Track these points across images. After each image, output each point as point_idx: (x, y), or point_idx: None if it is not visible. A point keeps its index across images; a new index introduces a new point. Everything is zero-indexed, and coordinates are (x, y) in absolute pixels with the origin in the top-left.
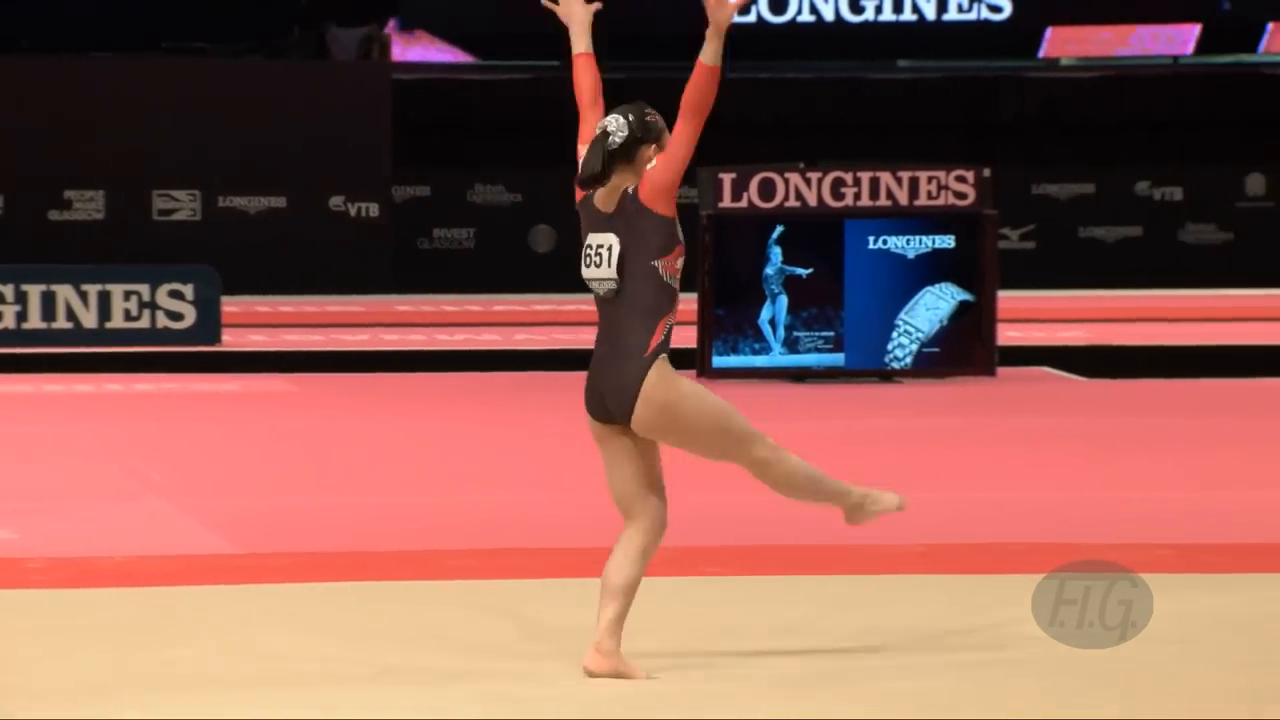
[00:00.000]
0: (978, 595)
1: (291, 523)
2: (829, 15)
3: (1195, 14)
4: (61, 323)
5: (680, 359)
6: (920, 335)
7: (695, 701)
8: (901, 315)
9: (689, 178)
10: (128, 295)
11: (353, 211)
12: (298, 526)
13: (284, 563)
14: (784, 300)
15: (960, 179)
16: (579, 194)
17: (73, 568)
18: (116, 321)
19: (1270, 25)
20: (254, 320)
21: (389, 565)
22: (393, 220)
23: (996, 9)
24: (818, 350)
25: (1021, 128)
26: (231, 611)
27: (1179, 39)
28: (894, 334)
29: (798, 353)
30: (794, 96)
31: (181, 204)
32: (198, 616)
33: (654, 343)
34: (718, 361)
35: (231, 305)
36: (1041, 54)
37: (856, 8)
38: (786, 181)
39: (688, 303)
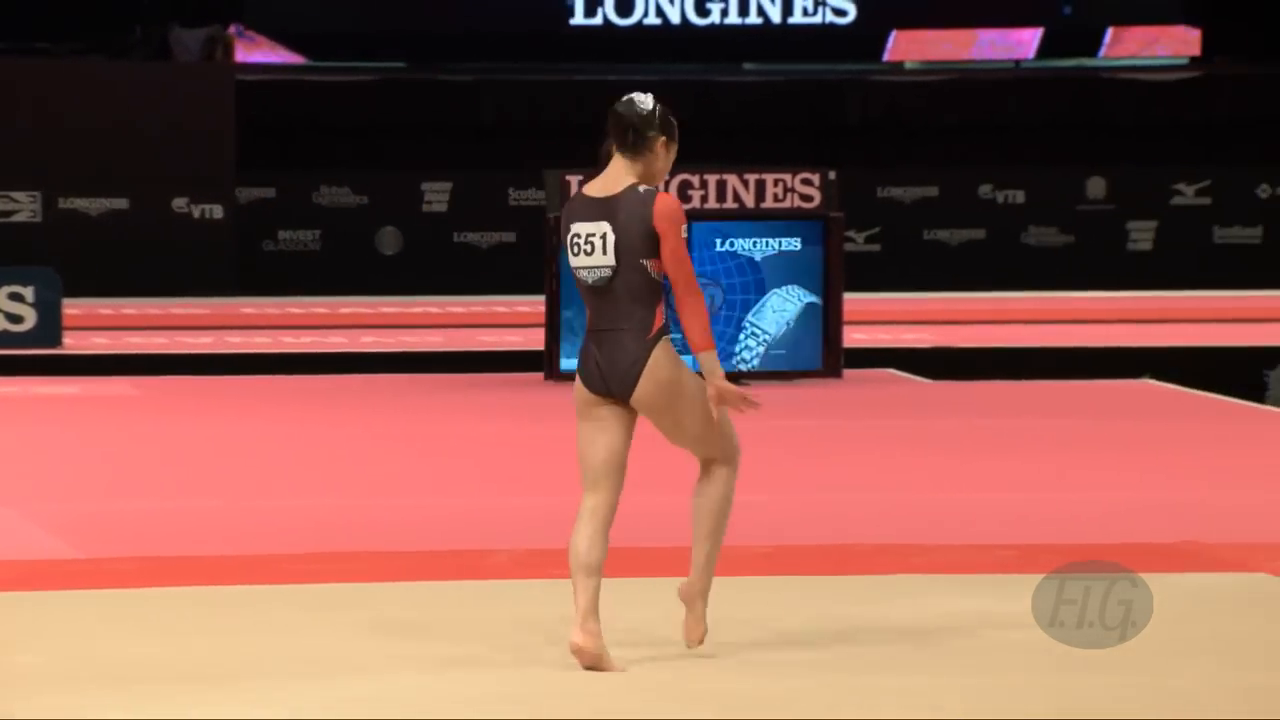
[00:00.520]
0: (824, 595)
1: (134, 527)
2: (675, 18)
3: (1037, 18)
4: None
5: (528, 361)
6: (767, 337)
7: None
8: (749, 317)
9: (536, 180)
10: None
11: (196, 213)
12: (140, 530)
13: (126, 567)
14: None
15: (806, 182)
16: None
17: None
18: None
19: (1110, 30)
20: (96, 323)
21: (231, 569)
22: (237, 222)
23: (841, 13)
24: None
25: (866, 131)
26: (73, 616)
27: (1021, 43)
28: (741, 336)
29: None
30: None
31: (21, 205)
32: (38, 622)
33: (656, 324)
34: (566, 364)
35: (73, 308)
36: (886, 58)
37: (702, 11)
38: None
39: (535, 304)
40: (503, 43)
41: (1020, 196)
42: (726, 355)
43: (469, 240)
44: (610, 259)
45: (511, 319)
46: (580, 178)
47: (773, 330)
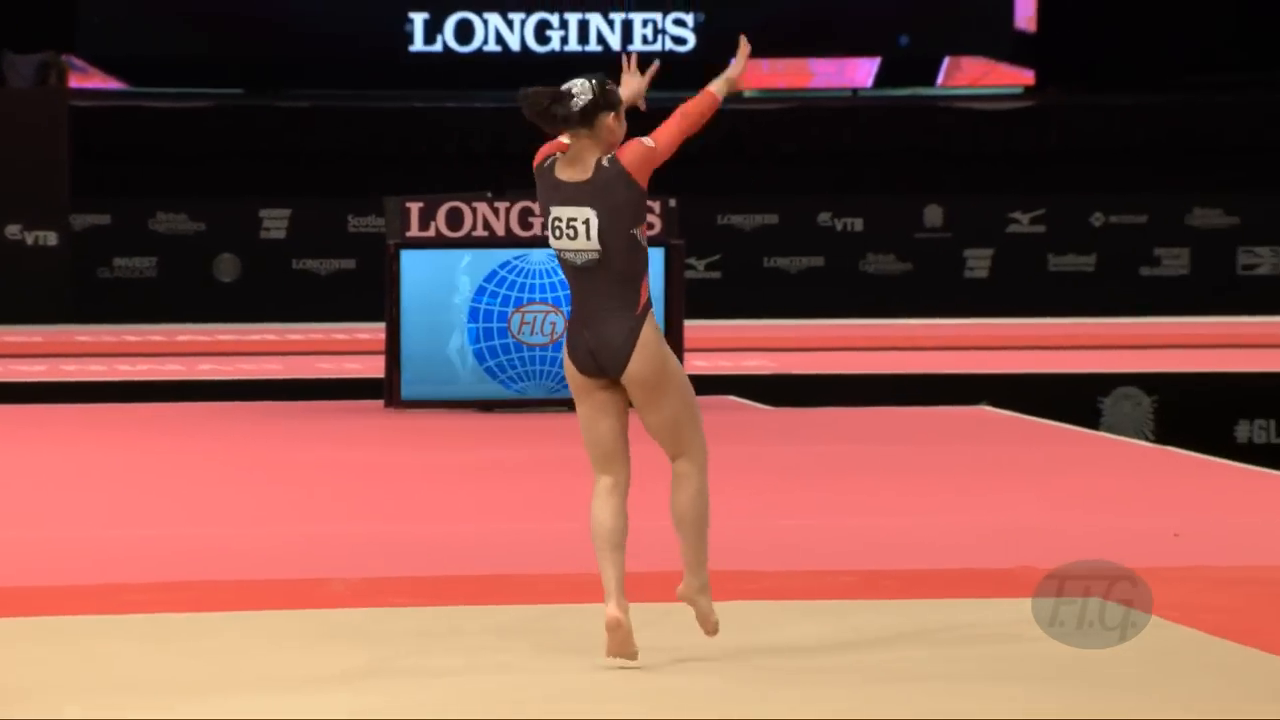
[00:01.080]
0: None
1: None
2: (515, 45)
3: (875, 48)
4: None
5: (368, 389)
6: None
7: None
8: None
9: (376, 207)
10: None
11: (30, 240)
12: None
13: None
14: (472, 330)
15: (647, 209)
16: (537, 158)
17: None
18: None
19: (947, 60)
20: None
21: (63, 599)
22: (72, 249)
23: (681, 41)
24: (507, 380)
25: (707, 158)
26: None
27: (859, 72)
28: None
29: (486, 382)
30: (482, 126)
31: None
32: None
33: (642, 301)
34: (407, 392)
35: None
36: None
37: (543, 38)
38: (474, 211)
39: (375, 332)
40: (342, 69)
41: (859, 224)
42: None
43: (308, 267)
44: (596, 243)
45: (351, 346)
46: (421, 204)
47: None
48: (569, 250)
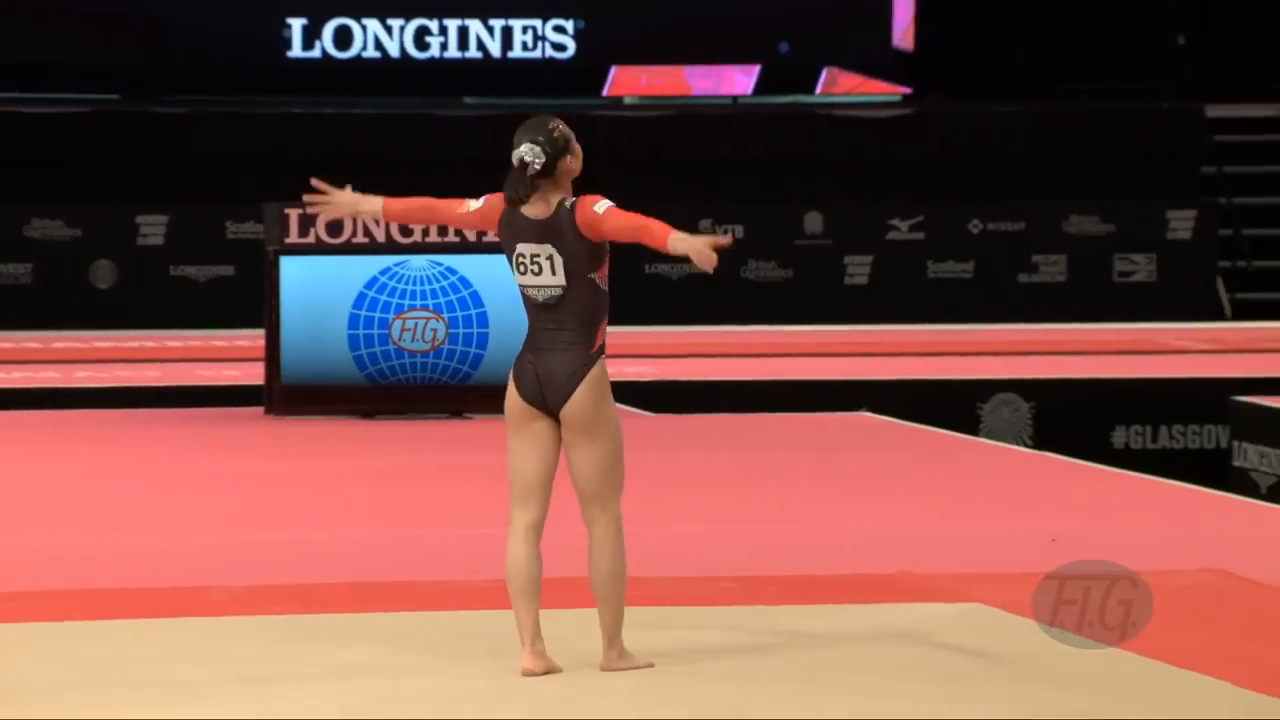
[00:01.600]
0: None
1: None
2: (394, 51)
3: (755, 56)
4: None
5: (247, 395)
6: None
7: None
8: (474, 349)
9: (254, 213)
10: None
11: None
12: None
13: None
14: (353, 337)
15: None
16: (491, 201)
17: None
18: None
19: (826, 68)
20: None
21: None
22: None
23: (561, 48)
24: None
25: (587, 165)
26: None
27: (739, 80)
28: (464, 368)
29: (367, 389)
30: (361, 132)
31: None
32: None
33: (597, 343)
34: (287, 399)
35: None
36: (606, 93)
37: (422, 44)
38: (354, 217)
39: (255, 338)
40: (219, 75)
41: (740, 231)
42: (457, 376)
43: (186, 274)
44: (560, 279)
45: (230, 353)
46: (300, 211)
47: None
48: (532, 286)
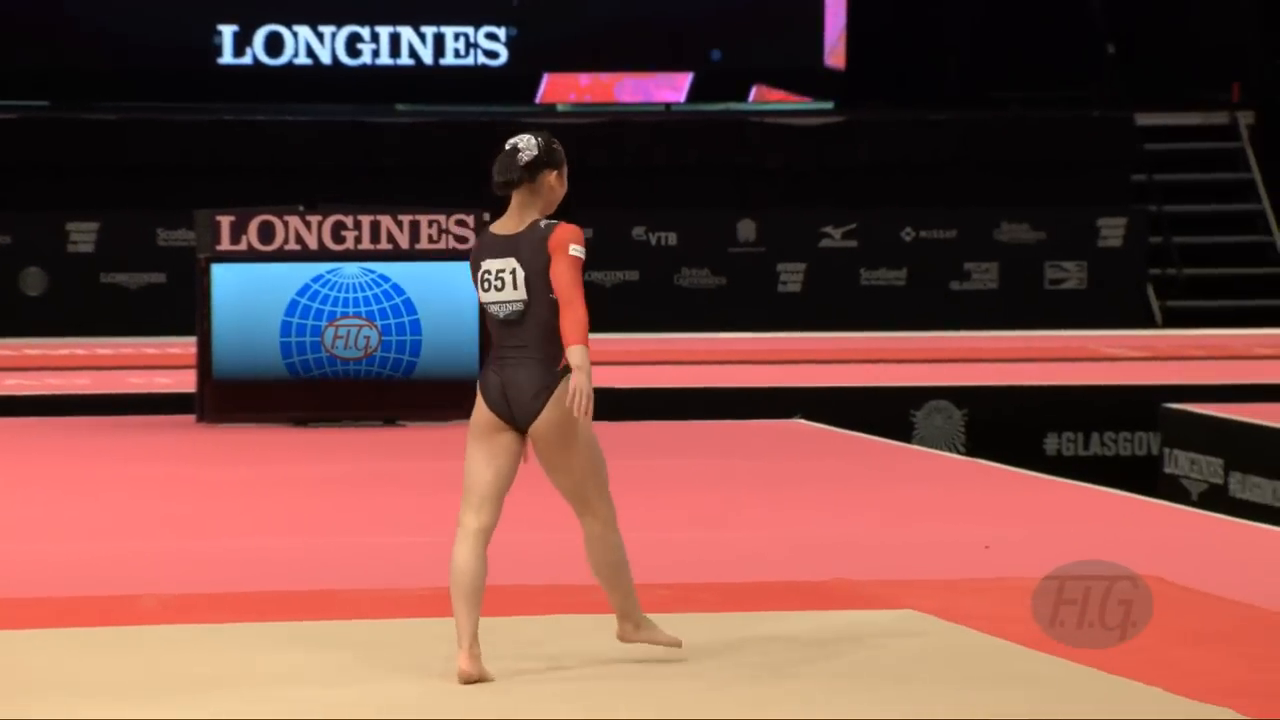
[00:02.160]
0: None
1: None
2: (326, 58)
3: (687, 63)
4: None
5: (179, 403)
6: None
7: None
8: (407, 357)
9: (186, 220)
10: None
11: None
12: None
13: None
14: (285, 344)
15: (460, 223)
16: (476, 245)
17: None
18: None
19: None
20: None
21: None
22: None
23: (493, 55)
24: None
25: None
26: None
27: (672, 87)
28: (398, 375)
29: (300, 396)
30: (293, 139)
31: None
32: None
33: (563, 361)
34: (219, 406)
35: None
36: (538, 100)
37: (354, 51)
38: (286, 224)
39: (187, 346)
40: (149, 81)
41: (673, 239)
42: (390, 383)
43: (117, 281)
44: (521, 294)
45: (162, 361)
46: (232, 218)
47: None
48: (494, 302)
